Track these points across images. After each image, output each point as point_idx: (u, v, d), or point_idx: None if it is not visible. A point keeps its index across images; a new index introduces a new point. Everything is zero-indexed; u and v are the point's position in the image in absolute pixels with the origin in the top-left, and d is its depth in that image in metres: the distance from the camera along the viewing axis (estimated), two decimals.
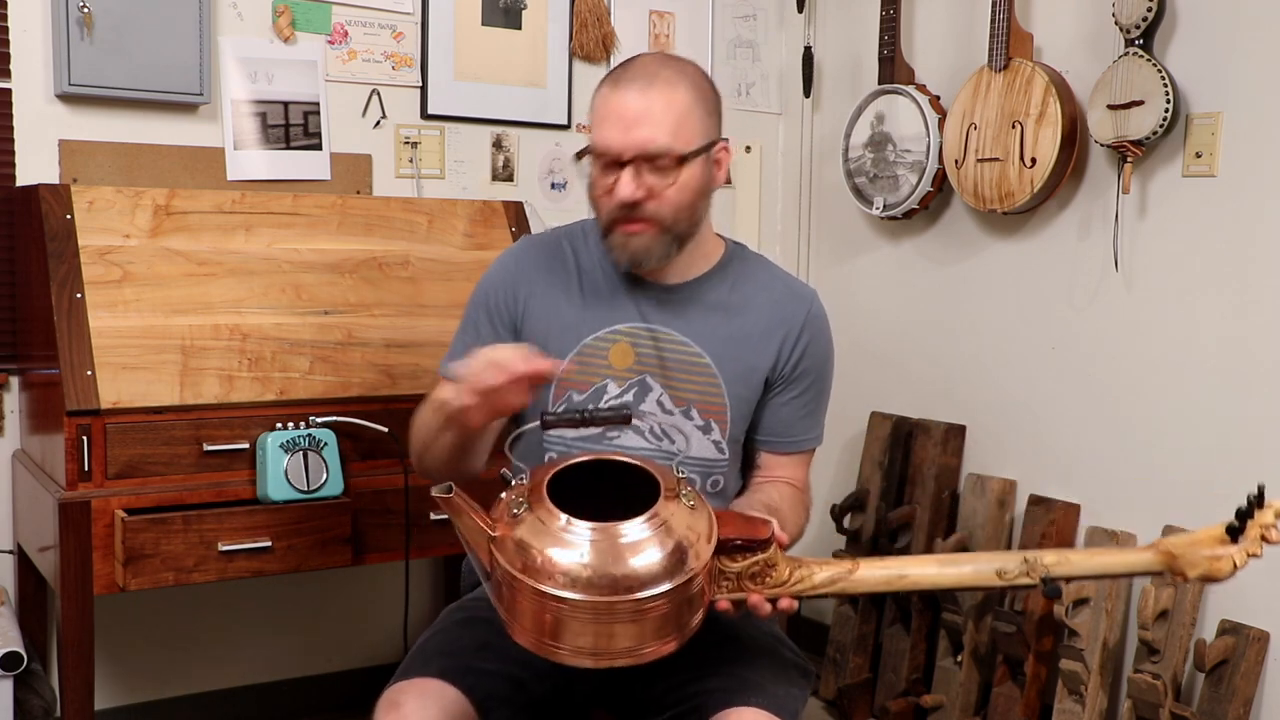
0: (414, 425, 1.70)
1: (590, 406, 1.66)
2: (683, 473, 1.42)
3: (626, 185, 1.60)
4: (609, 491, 1.39)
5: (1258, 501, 1.43)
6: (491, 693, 1.57)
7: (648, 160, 1.60)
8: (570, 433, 1.68)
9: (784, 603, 1.43)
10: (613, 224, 1.65)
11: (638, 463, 1.43)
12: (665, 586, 1.31)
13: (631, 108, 1.59)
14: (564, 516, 1.32)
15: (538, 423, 1.48)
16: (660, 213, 1.63)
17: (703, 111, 1.64)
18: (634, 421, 1.68)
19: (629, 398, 1.71)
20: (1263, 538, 1.43)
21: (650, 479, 1.40)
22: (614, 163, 1.61)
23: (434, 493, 1.36)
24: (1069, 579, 1.46)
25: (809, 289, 1.82)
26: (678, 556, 1.32)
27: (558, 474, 1.40)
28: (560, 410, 1.67)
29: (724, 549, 1.39)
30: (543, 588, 1.29)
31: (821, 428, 1.85)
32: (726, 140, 1.69)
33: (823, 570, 1.44)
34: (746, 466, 1.84)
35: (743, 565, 1.40)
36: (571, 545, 1.31)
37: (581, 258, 1.78)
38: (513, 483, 1.39)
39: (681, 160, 1.60)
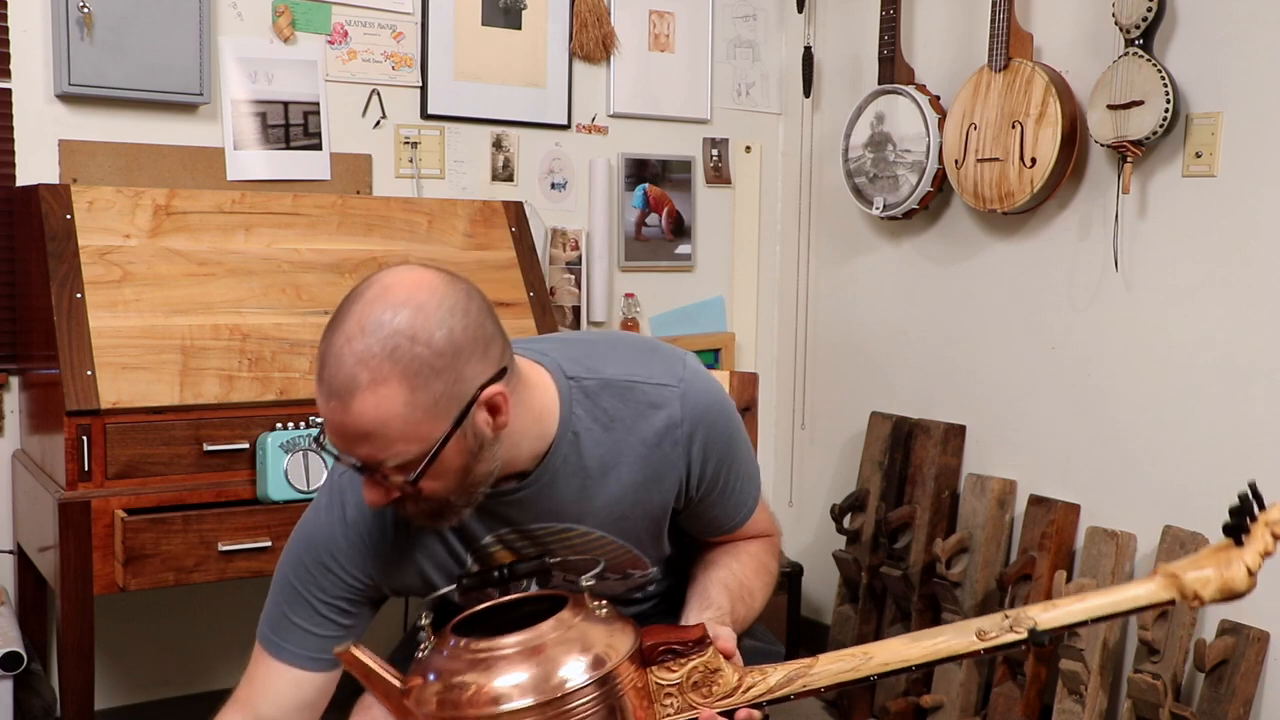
0: None
1: (512, 563, 1.45)
2: (595, 597, 1.30)
3: (369, 495, 1.30)
4: (523, 625, 1.30)
5: (1256, 500, 1.31)
6: None
7: (381, 473, 1.28)
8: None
9: (741, 714, 1.29)
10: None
11: (541, 593, 1.35)
12: (586, 681, 1.22)
13: (340, 425, 1.25)
14: (469, 641, 1.24)
15: (453, 586, 1.39)
16: (425, 506, 1.33)
17: (434, 394, 1.24)
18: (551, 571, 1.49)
19: (533, 588, 1.50)
20: (1274, 535, 1.28)
21: (561, 599, 1.33)
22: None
23: (334, 651, 1.30)
24: (1063, 629, 1.32)
25: (670, 388, 1.46)
26: (595, 655, 1.24)
27: (463, 621, 1.32)
28: (475, 572, 1.47)
29: (652, 657, 1.28)
30: (473, 715, 1.21)
31: (755, 480, 1.60)
32: (500, 374, 1.30)
33: (777, 671, 1.31)
34: (681, 548, 1.63)
35: (681, 674, 1.29)
36: (488, 662, 1.23)
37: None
38: (420, 637, 1.30)
39: (420, 465, 1.26)
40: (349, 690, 1.60)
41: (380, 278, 1.28)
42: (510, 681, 1.20)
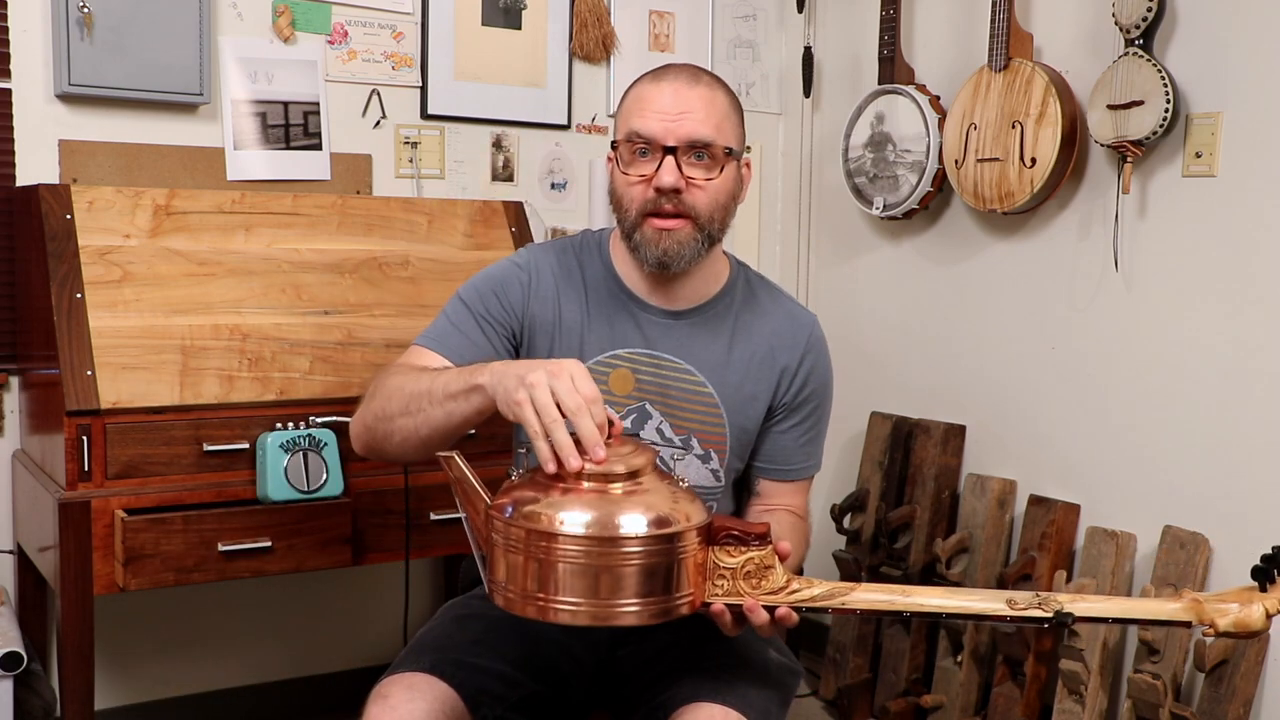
0: (385, 387, 1.57)
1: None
2: (684, 480, 1.42)
3: (670, 171, 1.58)
4: None
5: None
6: (482, 688, 1.57)
7: (691, 149, 1.59)
8: None
9: (781, 611, 1.40)
10: (644, 217, 1.61)
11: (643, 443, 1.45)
12: (653, 533, 1.32)
13: (677, 100, 1.59)
14: (554, 476, 1.35)
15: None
16: (698, 206, 1.61)
17: (738, 119, 1.66)
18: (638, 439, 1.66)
19: (628, 424, 1.68)
20: None
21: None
22: (653, 152, 1.59)
23: (438, 454, 1.40)
24: (1087, 620, 1.40)
25: (809, 315, 1.81)
26: (664, 514, 1.34)
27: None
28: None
29: (717, 538, 1.40)
30: (538, 527, 1.31)
31: (821, 454, 1.82)
32: (749, 159, 1.70)
33: (821, 585, 1.42)
34: (742, 490, 1.82)
35: (738, 561, 1.40)
36: (565, 496, 1.34)
37: (588, 274, 1.73)
38: (511, 471, 1.41)
39: (724, 155, 1.61)
40: (363, 691, 1.61)
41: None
42: (579, 514, 1.32)
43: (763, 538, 1.40)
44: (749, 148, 1.65)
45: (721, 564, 1.40)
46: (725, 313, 1.73)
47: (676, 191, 1.59)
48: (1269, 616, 1.37)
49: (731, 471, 1.74)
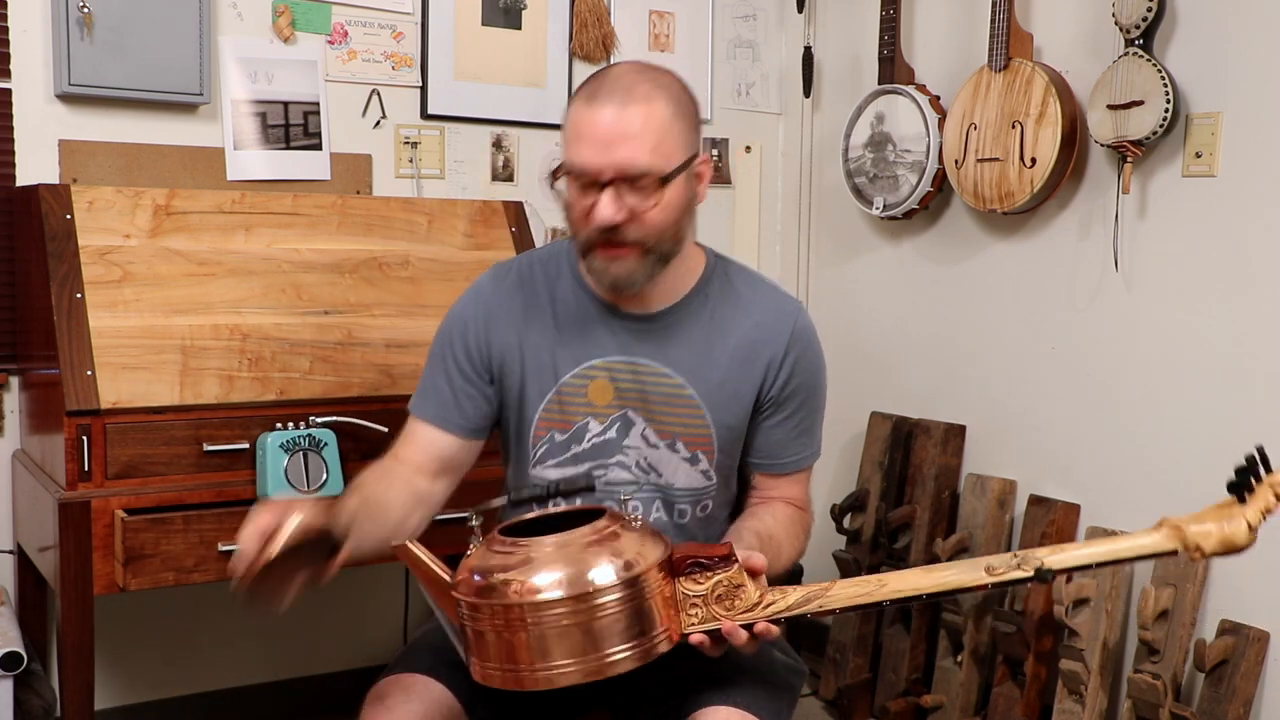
0: None
1: (557, 481, 1.57)
2: (632, 510, 1.41)
3: (606, 208, 1.50)
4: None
5: (1262, 462, 1.36)
6: (478, 690, 1.57)
7: (628, 181, 1.50)
8: (557, 473, 1.66)
9: (759, 627, 1.38)
10: (592, 247, 1.56)
11: (585, 507, 1.44)
12: (615, 581, 1.32)
13: (608, 125, 1.49)
14: (513, 540, 1.36)
15: (505, 499, 1.51)
16: (643, 235, 1.54)
17: (683, 125, 1.55)
18: (618, 457, 1.66)
19: (612, 434, 1.66)
20: (1276, 495, 1.34)
21: (600, 512, 1.43)
22: (592, 183, 1.51)
23: (391, 545, 1.42)
24: (1069, 570, 1.39)
25: (793, 302, 1.75)
26: (624, 561, 1.34)
27: (508, 529, 1.43)
28: (529, 488, 1.60)
29: (680, 569, 1.39)
30: (507, 601, 1.31)
31: (818, 442, 1.78)
32: (707, 154, 1.64)
33: (796, 592, 1.40)
34: (741, 484, 1.80)
35: (707, 586, 1.38)
36: (527, 560, 1.33)
37: (556, 286, 1.70)
38: (471, 540, 1.41)
39: (664, 180, 1.52)
40: (363, 691, 1.61)
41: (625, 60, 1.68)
42: (546, 578, 1.31)
43: (726, 559, 1.39)
44: (709, 153, 1.59)
45: (691, 593, 1.38)
46: (701, 309, 1.67)
47: (617, 226, 1.52)
48: (1252, 529, 1.34)
49: (723, 469, 1.72)
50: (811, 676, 3.24)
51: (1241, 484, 1.36)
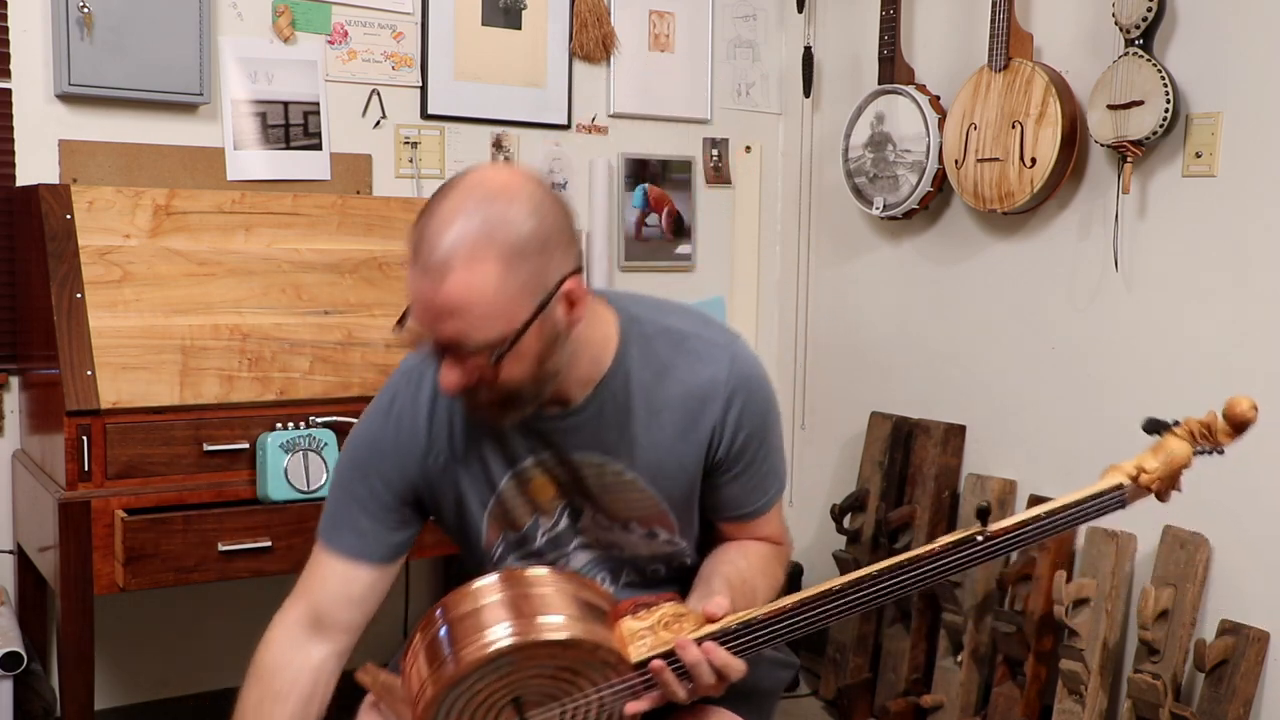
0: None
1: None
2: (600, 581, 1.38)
3: (446, 378, 1.34)
4: None
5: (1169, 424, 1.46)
6: None
7: (465, 352, 1.32)
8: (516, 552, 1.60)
9: (719, 658, 1.34)
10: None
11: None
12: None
13: (428, 299, 1.29)
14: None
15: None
16: (496, 395, 1.37)
17: (524, 276, 1.30)
18: (577, 541, 1.57)
19: (563, 524, 1.56)
20: (1197, 425, 1.43)
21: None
22: (430, 344, 1.35)
23: (356, 676, 1.43)
24: (1015, 533, 1.40)
25: (724, 349, 1.53)
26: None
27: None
28: None
29: (624, 611, 1.38)
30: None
31: (782, 476, 1.63)
32: (576, 270, 1.36)
33: (746, 611, 1.39)
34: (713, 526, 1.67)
35: (651, 620, 1.37)
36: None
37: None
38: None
39: (501, 351, 1.32)
40: (363, 692, 1.61)
41: (473, 171, 1.35)
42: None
43: (671, 599, 1.39)
44: (577, 268, 1.37)
45: (637, 629, 1.36)
46: (623, 389, 1.48)
47: (463, 391, 1.36)
48: (1183, 439, 1.43)
49: (688, 531, 1.60)
50: (811, 676, 3.24)
51: (1158, 423, 1.46)
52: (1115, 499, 1.43)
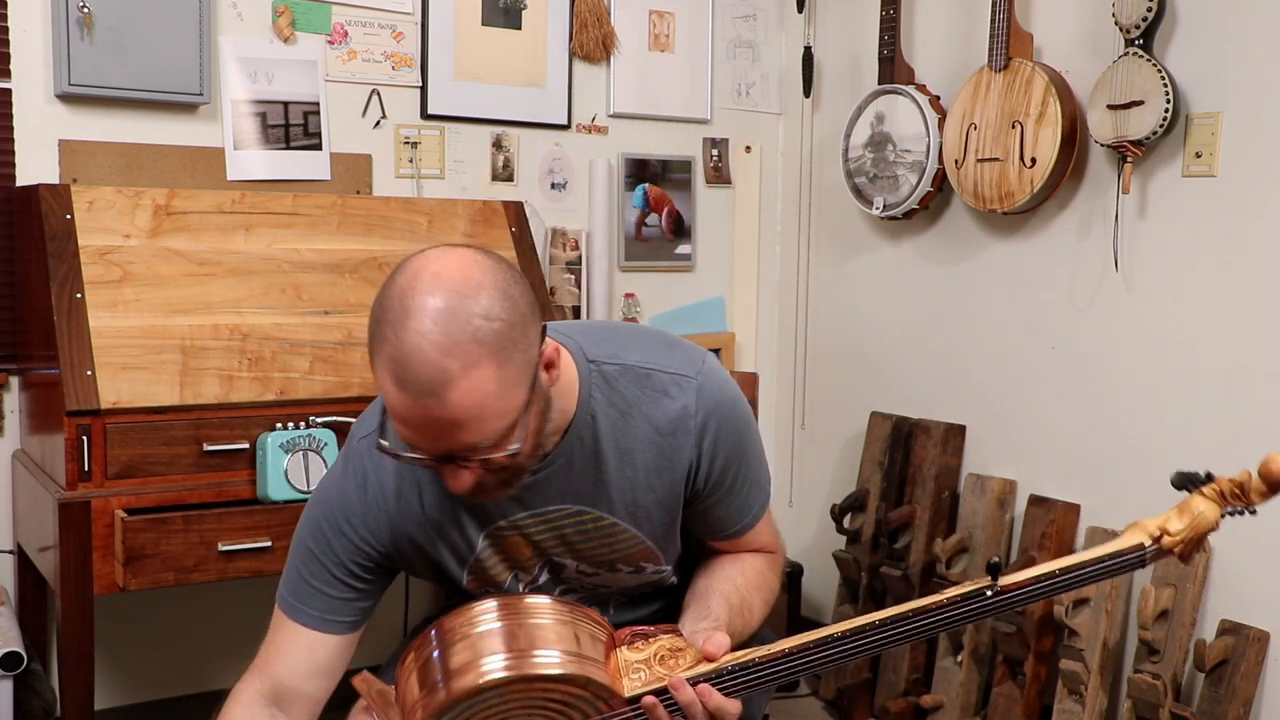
0: None
1: None
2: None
3: (457, 483, 1.30)
4: None
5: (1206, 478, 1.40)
6: None
7: (476, 455, 1.28)
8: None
9: (714, 701, 1.32)
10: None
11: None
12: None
13: (434, 420, 1.23)
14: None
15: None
16: (503, 478, 1.34)
17: (515, 365, 1.25)
18: (560, 589, 1.54)
19: (544, 578, 1.53)
20: (1224, 488, 1.37)
21: None
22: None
23: (353, 681, 1.41)
24: (1029, 589, 1.37)
25: (687, 378, 1.47)
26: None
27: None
28: None
29: (620, 641, 1.38)
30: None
31: (764, 488, 1.59)
32: (543, 331, 1.33)
33: (745, 652, 1.37)
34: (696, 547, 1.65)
35: (648, 652, 1.36)
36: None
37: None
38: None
39: (511, 442, 1.28)
40: (354, 691, 1.61)
41: (423, 266, 1.25)
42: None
43: (670, 631, 1.38)
44: (544, 337, 1.33)
45: (633, 660, 1.35)
46: (590, 434, 1.43)
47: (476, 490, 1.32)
48: (1216, 504, 1.36)
49: (673, 557, 1.58)
50: (812, 676, 3.24)
51: (1190, 477, 1.39)
52: (1135, 559, 1.38)
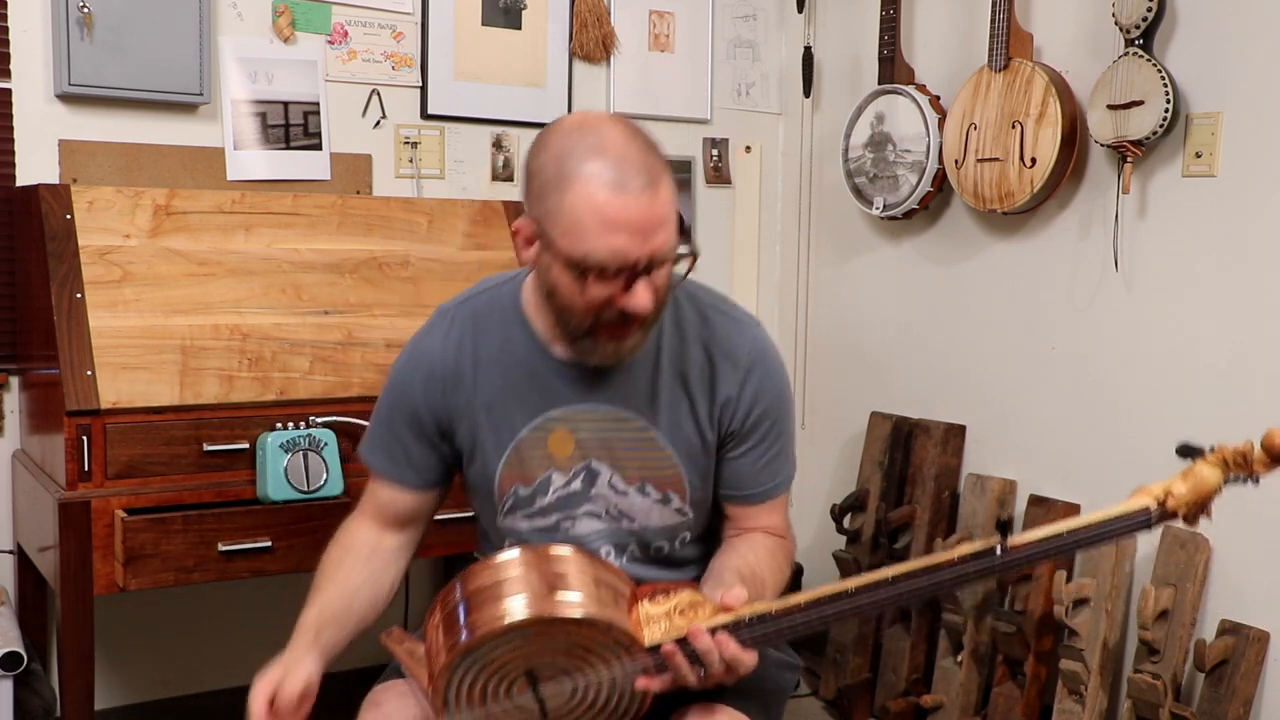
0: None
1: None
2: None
3: (645, 298, 1.41)
4: None
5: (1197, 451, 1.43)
6: None
7: (663, 263, 1.43)
8: (526, 525, 1.62)
9: (730, 650, 1.37)
10: (596, 331, 1.46)
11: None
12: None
13: (645, 215, 1.38)
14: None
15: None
16: (658, 312, 1.48)
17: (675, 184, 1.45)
18: (586, 507, 1.60)
19: (576, 485, 1.59)
20: (1230, 457, 1.40)
21: None
22: (617, 272, 1.40)
23: (380, 637, 1.51)
24: (1036, 549, 1.40)
25: (748, 328, 1.62)
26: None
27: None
28: None
29: (642, 595, 1.42)
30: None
31: (791, 466, 1.67)
32: None
33: (761, 604, 1.42)
34: (719, 507, 1.71)
35: (668, 605, 1.40)
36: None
37: (505, 338, 1.59)
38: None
39: (679, 254, 1.45)
40: (362, 692, 1.61)
41: (578, 114, 1.50)
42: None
43: (689, 586, 1.43)
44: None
45: (653, 613, 1.40)
46: (652, 348, 1.56)
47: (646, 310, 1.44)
48: (1218, 469, 1.39)
49: (698, 502, 1.64)
50: (811, 676, 3.24)
51: (1192, 449, 1.43)
52: (1141, 521, 1.41)
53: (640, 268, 1.40)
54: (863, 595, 1.39)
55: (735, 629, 1.39)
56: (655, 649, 1.37)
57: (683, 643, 1.38)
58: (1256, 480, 1.42)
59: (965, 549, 1.39)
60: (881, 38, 3.06)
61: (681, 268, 1.50)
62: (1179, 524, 1.44)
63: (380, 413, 1.65)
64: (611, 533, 1.61)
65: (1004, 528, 1.39)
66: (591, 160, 1.38)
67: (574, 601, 1.34)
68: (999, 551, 1.38)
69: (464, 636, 1.34)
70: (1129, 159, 2.53)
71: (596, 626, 1.34)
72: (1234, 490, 2.50)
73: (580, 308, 1.44)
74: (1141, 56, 2.47)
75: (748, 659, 1.39)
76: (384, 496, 1.65)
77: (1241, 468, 1.40)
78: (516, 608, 1.33)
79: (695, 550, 1.68)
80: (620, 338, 1.47)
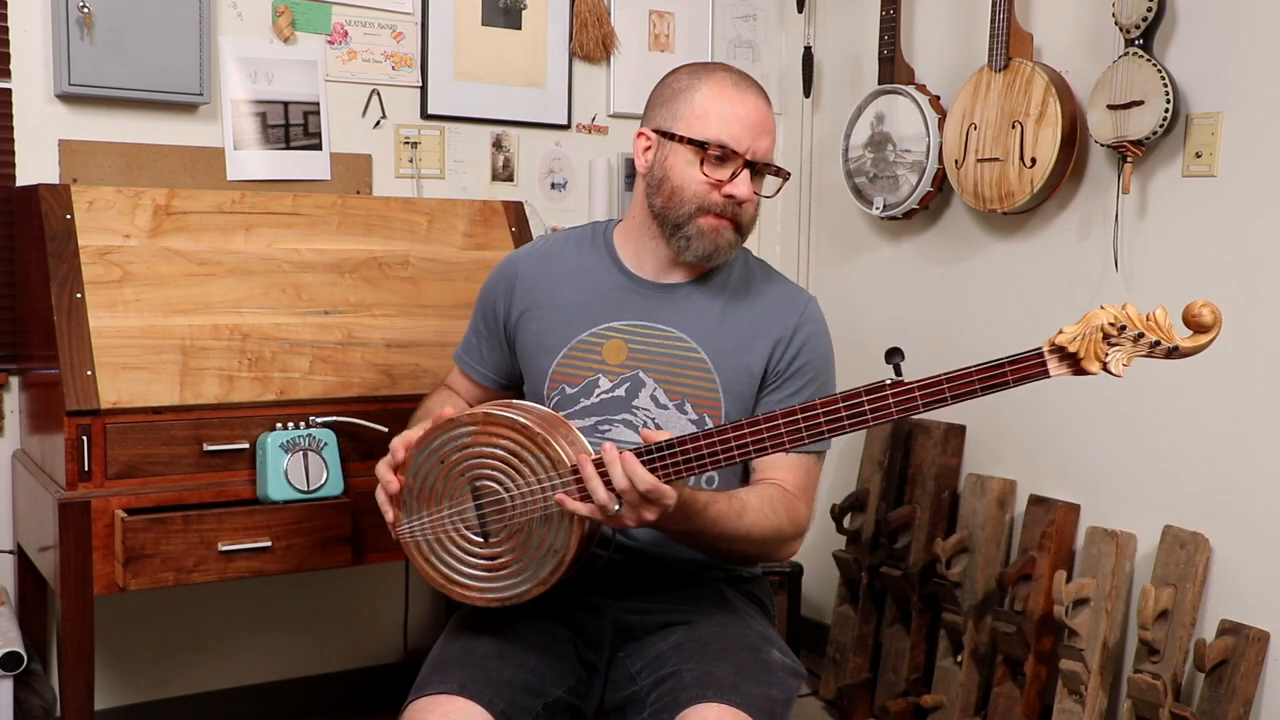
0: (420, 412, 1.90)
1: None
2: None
3: (747, 184, 1.71)
4: None
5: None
6: (512, 702, 1.58)
7: (763, 168, 1.73)
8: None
9: (633, 465, 1.45)
10: (705, 213, 1.71)
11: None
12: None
13: (759, 115, 1.71)
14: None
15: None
16: (750, 219, 1.77)
17: None
18: (624, 415, 1.76)
19: (620, 392, 1.75)
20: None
21: None
22: (731, 161, 1.70)
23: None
24: (926, 387, 1.44)
25: (806, 295, 1.85)
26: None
27: None
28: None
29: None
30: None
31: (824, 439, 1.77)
32: None
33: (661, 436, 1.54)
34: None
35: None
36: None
37: (586, 259, 1.84)
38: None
39: (774, 172, 1.76)
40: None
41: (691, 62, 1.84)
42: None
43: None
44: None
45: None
46: (719, 287, 1.80)
47: (743, 203, 1.72)
48: (1109, 315, 1.42)
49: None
50: (811, 676, 3.24)
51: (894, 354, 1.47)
52: (1034, 363, 1.45)
53: (748, 159, 1.69)
54: (763, 428, 1.46)
55: (644, 453, 1.47)
56: (576, 470, 1.50)
57: (598, 463, 1.49)
58: (1177, 348, 1.48)
59: (859, 387, 1.43)
60: (881, 38, 3.06)
61: (772, 187, 1.79)
62: (1095, 369, 1.42)
63: (474, 313, 1.94)
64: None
65: (893, 353, 1.44)
66: (720, 72, 1.73)
67: (519, 417, 1.53)
68: (889, 384, 1.42)
69: (419, 433, 1.60)
70: (1129, 159, 2.53)
71: (535, 439, 1.51)
72: (1234, 490, 2.50)
73: (691, 191, 1.70)
74: (1141, 56, 2.47)
75: (656, 483, 1.45)
76: (455, 381, 1.98)
77: (1147, 327, 1.43)
78: (473, 410, 1.59)
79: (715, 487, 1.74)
80: (720, 226, 1.72)
